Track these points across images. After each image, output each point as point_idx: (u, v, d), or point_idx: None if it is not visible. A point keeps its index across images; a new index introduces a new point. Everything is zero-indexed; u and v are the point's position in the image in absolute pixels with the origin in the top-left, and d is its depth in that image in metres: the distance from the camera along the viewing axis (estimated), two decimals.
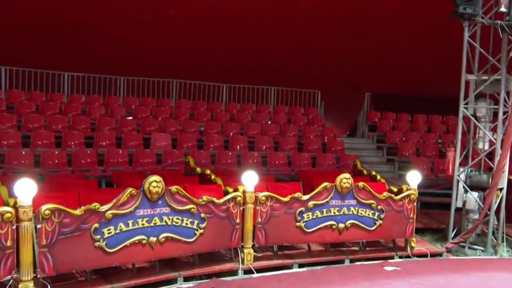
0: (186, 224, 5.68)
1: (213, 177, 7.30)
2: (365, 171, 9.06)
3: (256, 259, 6.32)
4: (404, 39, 13.85)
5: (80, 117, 10.70)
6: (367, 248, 7.27)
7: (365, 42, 14.24)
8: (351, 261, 6.93)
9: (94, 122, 10.55)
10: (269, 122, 12.88)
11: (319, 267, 6.56)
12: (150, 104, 12.56)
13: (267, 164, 10.43)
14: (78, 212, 4.94)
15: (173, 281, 5.69)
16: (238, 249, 6.21)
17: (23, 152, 8.40)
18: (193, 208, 5.70)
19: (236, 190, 6.31)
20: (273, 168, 10.25)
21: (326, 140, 12.27)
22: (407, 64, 15.05)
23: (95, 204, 5.04)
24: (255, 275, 6.09)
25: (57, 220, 4.81)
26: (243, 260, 6.17)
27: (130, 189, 5.25)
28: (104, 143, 9.68)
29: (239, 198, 6.09)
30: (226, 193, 6.62)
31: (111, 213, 5.12)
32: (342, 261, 6.88)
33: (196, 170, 7.83)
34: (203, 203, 5.80)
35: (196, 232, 5.76)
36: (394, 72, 15.31)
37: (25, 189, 4.67)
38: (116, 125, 10.72)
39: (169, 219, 5.55)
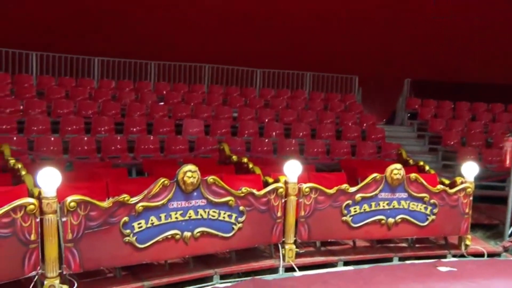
0: (224, 217, 5.14)
1: (250, 165, 6.73)
2: (411, 161, 8.33)
3: (297, 255, 5.74)
4: (447, 23, 12.94)
5: (110, 103, 10.27)
6: (417, 245, 6.61)
7: (405, 25, 13.39)
8: (400, 259, 6.29)
9: (124, 108, 10.10)
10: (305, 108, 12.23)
11: (365, 266, 5.95)
12: (181, 89, 12.05)
13: (304, 152, 9.80)
14: (106, 204, 4.45)
15: (208, 279, 5.18)
16: (279, 245, 5.65)
17: (52, 139, 8.00)
18: (231, 200, 5.16)
19: (276, 180, 5.72)
20: (311, 156, 9.61)
21: (365, 128, 11.54)
22: (449, 48, 14.13)
23: (124, 195, 4.54)
24: (297, 273, 5.53)
25: (83, 213, 4.33)
26: (284, 256, 5.61)
27: (163, 180, 4.73)
28: (134, 129, 9.22)
29: (281, 190, 5.51)
30: (266, 183, 6.06)
31: (142, 206, 4.62)
32: (389, 259, 6.24)
33: (232, 158, 7.27)
34: (242, 195, 5.25)
35: (234, 226, 5.22)
36: (435, 57, 14.40)
37: (49, 179, 4.21)
38: (146, 110, 10.26)
39: (205, 212, 5.01)
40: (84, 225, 4.36)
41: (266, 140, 9.72)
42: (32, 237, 4.17)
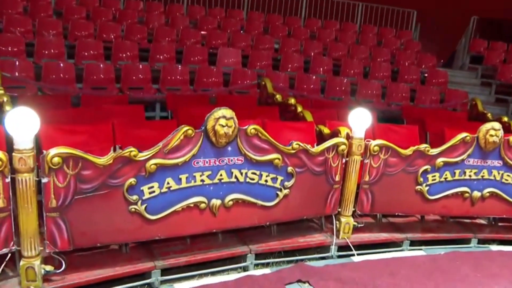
0: (266, 181, 3.73)
1: (299, 109, 5.21)
2: (489, 115, 6.64)
3: (354, 230, 4.36)
4: None
5: (136, 26, 8.71)
6: (499, 224, 5.12)
7: None
8: (479, 241, 4.84)
9: (152, 33, 8.53)
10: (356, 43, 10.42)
11: (438, 249, 4.54)
12: (217, 15, 10.30)
13: (356, 93, 8.18)
14: (104, 160, 3.07)
15: (240, 258, 3.89)
16: (333, 216, 4.27)
17: (61, 65, 6.56)
18: (278, 158, 3.72)
19: (335, 133, 4.23)
20: (364, 99, 7.98)
21: (425, 70, 9.73)
22: None
23: (131, 149, 3.14)
24: (356, 258, 4.17)
25: (72, 172, 2.99)
26: (338, 232, 4.24)
27: (185, 128, 3.30)
28: (161, 57, 7.71)
29: (342, 147, 4.03)
30: (320, 135, 4.60)
31: (155, 164, 3.23)
32: (467, 240, 4.80)
33: (276, 97, 5.73)
34: (293, 152, 3.79)
35: (279, 193, 3.82)
36: None
37: (22, 122, 2.82)
38: (177, 37, 8.68)
39: (241, 174, 3.61)
40: (73, 188, 3.02)
41: (314, 77, 8.08)
42: (0, 204, 2.88)
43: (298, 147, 3.80)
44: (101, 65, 6.80)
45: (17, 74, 6.00)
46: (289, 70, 8.36)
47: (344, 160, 4.10)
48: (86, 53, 7.21)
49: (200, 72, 7.43)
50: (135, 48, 7.65)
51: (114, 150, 3.75)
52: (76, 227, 3.12)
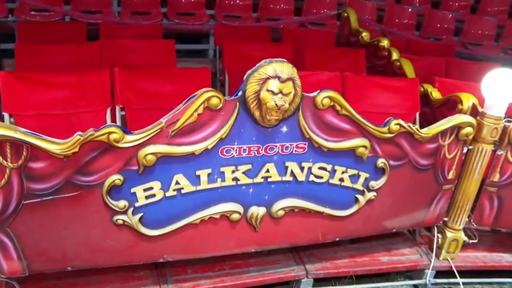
0: (341, 180, 2.24)
1: (394, 55, 3.51)
2: None
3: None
4: None
5: None
6: None
7: None
8: None
9: None
10: None
11: None
12: None
13: (460, 33, 6.17)
14: (63, 147, 1.72)
15: (292, 284, 2.55)
16: (435, 228, 2.75)
17: None
18: (364, 146, 2.19)
19: (453, 101, 2.61)
20: (470, 41, 5.98)
21: None
22: None
23: (110, 129, 1.74)
24: None
25: (12, 164, 1.69)
26: (439, 250, 2.75)
27: (207, 95, 1.82)
28: None
29: (468, 130, 2.40)
30: (425, 100, 2.98)
31: (154, 153, 1.85)
32: None
33: (361, 36, 4.02)
34: (389, 136, 2.25)
35: (360, 197, 2.33)
36: None
37: None
38: None
39: (301, 169, 2.14)
40: (18, 189, 1.74)
41: (410, 10, 6.11)
42: None
43: (398, 129, 2.24)
44: None
45: None
46: None
47: (465, 150, 2.49)
48: None
49: None
50: None
51: (113, 116, 2.42)
52: (28, 245, 1.88)
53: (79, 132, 1.73)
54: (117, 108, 2.44)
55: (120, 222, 1.94)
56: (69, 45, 2.94)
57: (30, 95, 2.22)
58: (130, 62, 3.01)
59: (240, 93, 1.88)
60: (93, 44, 3.05)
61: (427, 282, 2.74)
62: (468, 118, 2.39)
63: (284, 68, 1.84)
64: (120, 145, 1.77)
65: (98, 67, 2.66)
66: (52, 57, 2.80)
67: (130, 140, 1.78)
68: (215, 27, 4.28)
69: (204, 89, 1.83)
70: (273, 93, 1.85)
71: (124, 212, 1.93)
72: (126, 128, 1.82)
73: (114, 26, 3.86)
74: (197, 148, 1.90)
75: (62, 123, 2.26)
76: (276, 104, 1.87)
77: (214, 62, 4.41)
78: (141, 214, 1.96)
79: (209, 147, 1.92)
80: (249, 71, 1.85)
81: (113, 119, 2.44)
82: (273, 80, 1.84)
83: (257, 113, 1.92)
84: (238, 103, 1.89)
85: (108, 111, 2.41)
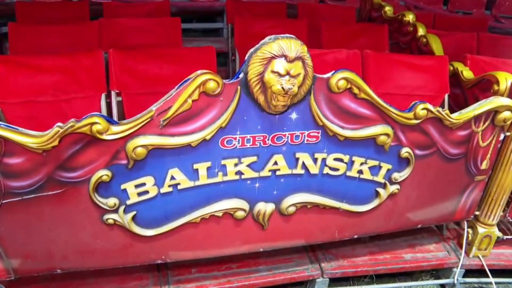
0: (360, 172, 1.97)
1: (421, 31, 3.17)
2: None
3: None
4: None
5: None
6: None
7: None
8: None
9: None
10: None
11: None
12: None
13: (493, 6, 5.71)
14: (41, 140, 1.49)
15: (306, 284, 2.32)
16: (465, 223, 2.46)
17: None
18: (386, 134, 1.90)
19: (487, 81, 2.29)
20: (506, 15, 5.53)
21: None
22: None
23: (92, 119, 1.50)
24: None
25: None
26: (469, 246, 2.47)
27: (203, 77, 1.57)
28: None
29: (506, 114, 2.09)
30: (455, 80, 2.66)
31: (144, 145, 1.60)
32: None
33: (384, 10, 3.67)
34: (415, 122, 1.94)
35: (381, 190, 2.05)
36: None
37: None
38: None
39: (314, 161, 1.88)
40: None
41: None
42: None
43: (425, 114, 1.94)
44: None
45: None
46: None
47: (502, 137, 2.18)
48: None
49: None
50: None
51: (108, 101, 2.20)
52: (11, 246, 1.69)
53: (59, 123, 1.51)
54: (113, 93, 2.21)
55: (110, 221, 1.72)
56: (66, 25, 2.71)
57: (16, 80, 2.02)
58: (132, 42, 2.78)
59: (241, 75, 1.61)
60: (92, 23, 2.81)
61: (455, 281, 2.47)
62: (506, 101, 2.07)
63: (292, 46, 1.56)
64: (104, 137, 1.54)
65: (96, 48, 2.42)
66: (48, 39, 2.59)
67: (116, 131, 1.55)
68: (226, 4, 3.99)
69: (199, 71, 1.57)
70: (279, 75, 1.58)
71: (115, 211, 1.71)
72: (124, 115, 1.59)
73: (118, 4, 3.60)
74: (194, 139, 1.65)
75: (53, 111, 2.05)
76: (282, 88, 1.60)
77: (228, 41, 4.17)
78: (134, 212, 1.73)
79: (208, 137, 1.67)
80: (251, 50, 1.59)
81: (109, 105, 2.21)
82: (279, 59, 1.56)
83: (261, 98, 1.65)
84: (239, 87, 1.63)
85: (103, 96, 2.19)
